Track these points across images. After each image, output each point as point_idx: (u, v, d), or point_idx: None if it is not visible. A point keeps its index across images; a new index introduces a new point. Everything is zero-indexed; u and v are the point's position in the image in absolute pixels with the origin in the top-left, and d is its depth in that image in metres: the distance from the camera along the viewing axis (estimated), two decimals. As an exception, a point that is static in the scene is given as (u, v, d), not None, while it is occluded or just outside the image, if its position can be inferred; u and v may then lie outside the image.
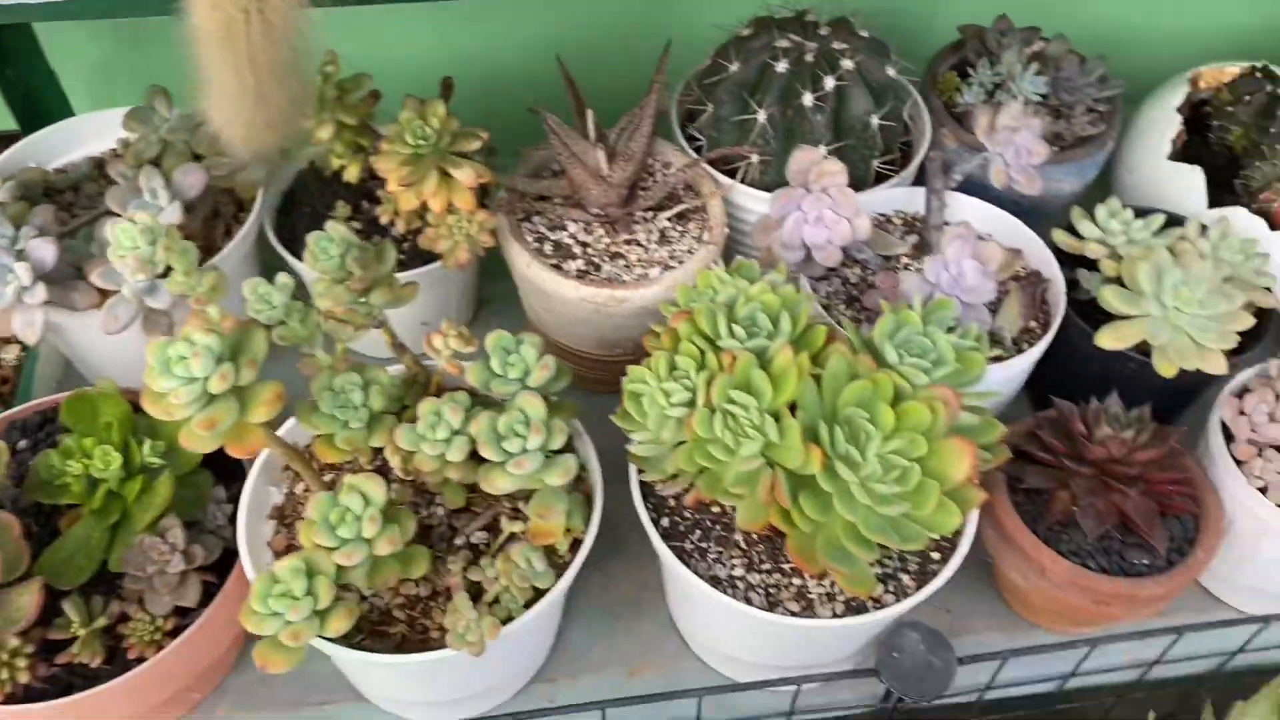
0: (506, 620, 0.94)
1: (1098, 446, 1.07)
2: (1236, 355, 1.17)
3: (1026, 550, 1.08)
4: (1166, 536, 1.08)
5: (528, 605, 0.96)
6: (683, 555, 1.00)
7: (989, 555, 1.16)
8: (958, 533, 1.01)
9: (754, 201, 1.27)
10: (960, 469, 0.87)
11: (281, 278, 0.95)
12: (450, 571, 0.99)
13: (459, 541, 1.03)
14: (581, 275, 1.20)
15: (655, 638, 1.17)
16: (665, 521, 1.02)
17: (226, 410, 0.83)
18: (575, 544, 1.01)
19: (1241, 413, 1.14)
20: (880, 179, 1.31)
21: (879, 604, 0.98)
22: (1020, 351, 1.20)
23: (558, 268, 1.20)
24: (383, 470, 1.08)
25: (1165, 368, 1.15)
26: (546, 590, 0.97)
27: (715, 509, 1.04)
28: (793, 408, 0.90)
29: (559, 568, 0.99)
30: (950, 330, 0.96)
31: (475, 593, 0.96)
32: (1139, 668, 1.19)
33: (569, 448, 1.04)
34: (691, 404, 0.90)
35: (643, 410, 0.92)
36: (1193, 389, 1.29)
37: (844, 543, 0.88)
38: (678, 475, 0.97)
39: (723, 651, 1.13)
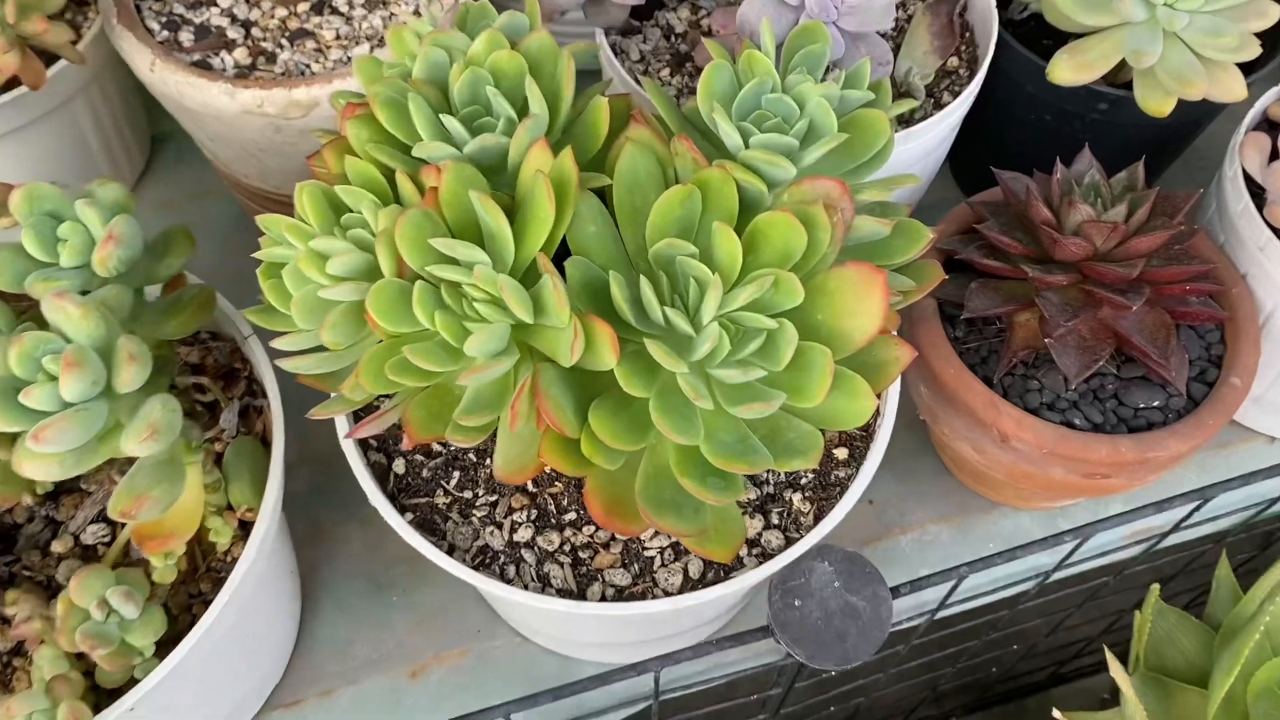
0: (124, 686, 0.54)
1: (1073, 239, 0.68)
2: (1250, 73, 0.77)
3: (977, 411, 0.70)
4: (1185, 362, 0.70)
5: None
6: (431, 520, 0.59)
7: (921, 414, 0.78)
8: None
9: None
10: (866, 316, 0.49)
11: None
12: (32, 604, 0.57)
13: (58, 548, 0.62)
14: (242, 73, 0.75)
15: (443, 613, 0.78)
16: (401, 465, 0.61)
17: None
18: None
19: (1275, 155, 0.75)
20: None
21: (756, 550, 0.60)
22: (939, 106, 0.79)
23: (203, 65, 0.75)
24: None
25: (1156, 101, 0.75)
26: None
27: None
28: (562, 255, 0.49)
29: (215, 578, 0.59)
30: (826, 76, 0.55)
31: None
32: (1144, 542, 0.84)
33: (210, 370, 0.61)
34: (372, 273, 0.48)
35: (286, 293, 0.50)
36: (1181, 135, 0.89)
37: (679, 480, 0.49)
38: (378, 404, 0.56)
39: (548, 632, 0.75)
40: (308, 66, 0.75)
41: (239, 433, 0.64)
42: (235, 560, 0.60)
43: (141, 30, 0.75)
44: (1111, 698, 1.12)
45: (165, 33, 0.76)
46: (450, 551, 0.58)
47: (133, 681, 0.56)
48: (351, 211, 0.50)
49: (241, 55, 0.75)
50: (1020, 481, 0.74)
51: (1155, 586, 0.92)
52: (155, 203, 0.96)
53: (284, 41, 0.76)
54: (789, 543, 0.59)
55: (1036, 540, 0.71)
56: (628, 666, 0.68)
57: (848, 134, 0.52)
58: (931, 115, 0.75)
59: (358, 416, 0.60)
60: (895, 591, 0.70)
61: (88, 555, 0.62)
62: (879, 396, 0.59)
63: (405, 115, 0.51)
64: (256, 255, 0.51)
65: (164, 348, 0.63)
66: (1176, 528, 0.79)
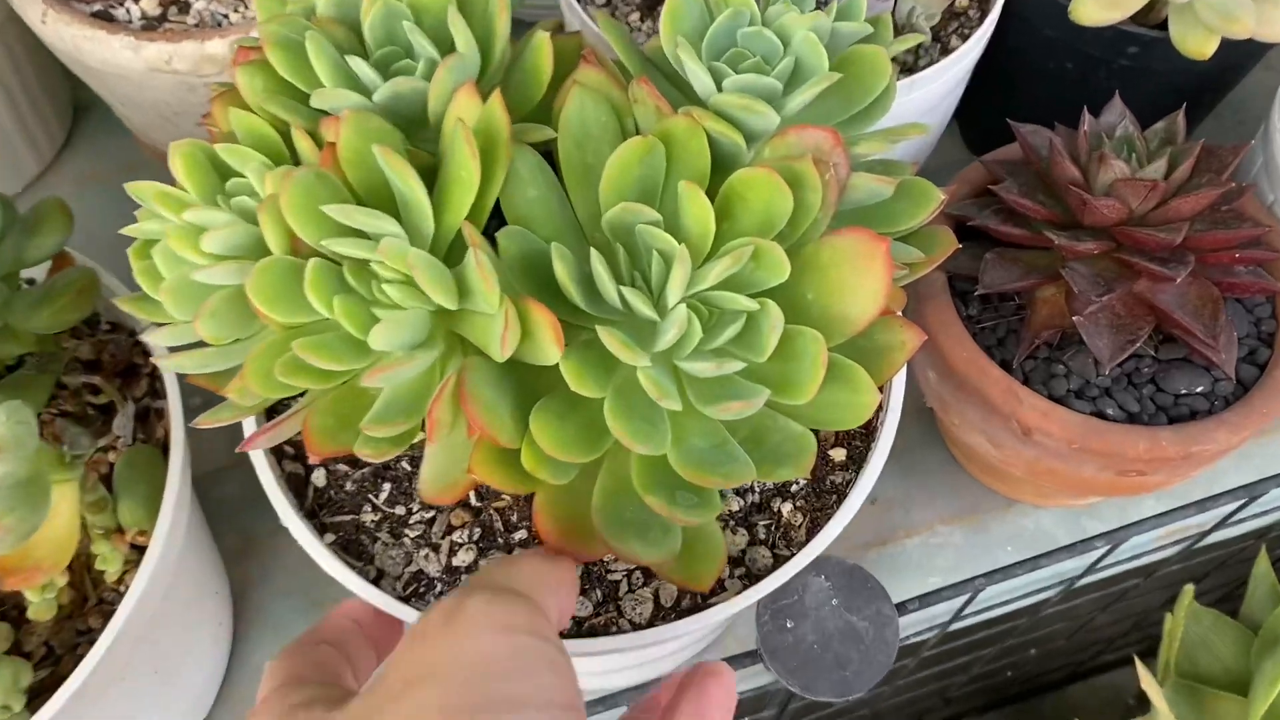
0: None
1: (1105, 200, 0.58)
2: (1299, 8, 0.67)
3: (994, 400, 0.61)
4: (1234, 340, 0.61)
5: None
6: (357, 540, 0.50)
7: (929, 402, 0.69)
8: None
9: None
10: (866, 294, 0.39)
11: None
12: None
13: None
14: (150, 25, 0.65)
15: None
16: (321, 477, 0.52)
17: None
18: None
19: (1333, 103, 0.66)
20: None
21: (740, 570, 0.50)
22: (946, 51, 0.69)
23: (104, 16, 0.65)
24: None
25: (1195, 42, 0.66)
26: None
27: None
28: (494, 226, 0.40)
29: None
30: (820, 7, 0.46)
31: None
32: (1180, 542, 0.75)
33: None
34: (260, 250, 0.39)
35: (159, 276, 0.41)
36: (1220, 83, 0.80)
37: (643, 498, 0.40)
38: (291, 403, 0.47)
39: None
40: (225, 17, 0.66)
41: (137, 440, 0.55)
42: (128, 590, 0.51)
43: (31, -24, 0.66)
44: (1138, 703, 1.03)
45: (60, -21, 0.67)
46: (378, 579, 0.49)
47: (4, 739, 0.47)
48: (239, 176, 0.41)
49: (149, 4, 0.66)
50: (1043, 479, 0.65)
51: (1189, 588, 0.83)
52: (79, 176, 0.87)
53: (198, -13, 0.67)
54: (778, 561, 0.50)
55: (1062, 548, 0.63)
56: (594, 702, 0.59)
57: (841, 74, 0.42)
58: (938, 61, 0.66)
59: (271, 415, 0.51)
60: (902, 608, 0.61)
61: (-35, 586, 0.53)
62: (882, 389, 0.50)
63: (304, 58, 0.42)
64: (125, 231, 0.42)
65: (46, 342, 0.54)
66: (1220, 526, 0.71)
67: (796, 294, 0.40)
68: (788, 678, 0.58)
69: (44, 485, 0.45)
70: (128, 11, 0.66)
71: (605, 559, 0.51)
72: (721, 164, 0.42)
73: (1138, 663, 0.82)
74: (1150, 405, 0.61)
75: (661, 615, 0.49)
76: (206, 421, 0.43)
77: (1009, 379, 0.61)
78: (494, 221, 0.41)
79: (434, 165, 0.41)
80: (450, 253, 0.40)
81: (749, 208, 0.39)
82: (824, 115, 0.44)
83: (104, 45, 0.63)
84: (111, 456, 0.55)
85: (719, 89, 0.41)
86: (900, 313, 0.46)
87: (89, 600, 0.53)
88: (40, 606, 0.50)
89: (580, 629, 0.48)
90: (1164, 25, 0.68)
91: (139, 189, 0.41)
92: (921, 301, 0.64)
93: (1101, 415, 0.61)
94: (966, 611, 0.68)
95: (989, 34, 0.68)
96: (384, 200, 0.39)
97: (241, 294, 0.38)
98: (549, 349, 0.37)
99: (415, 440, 0.41)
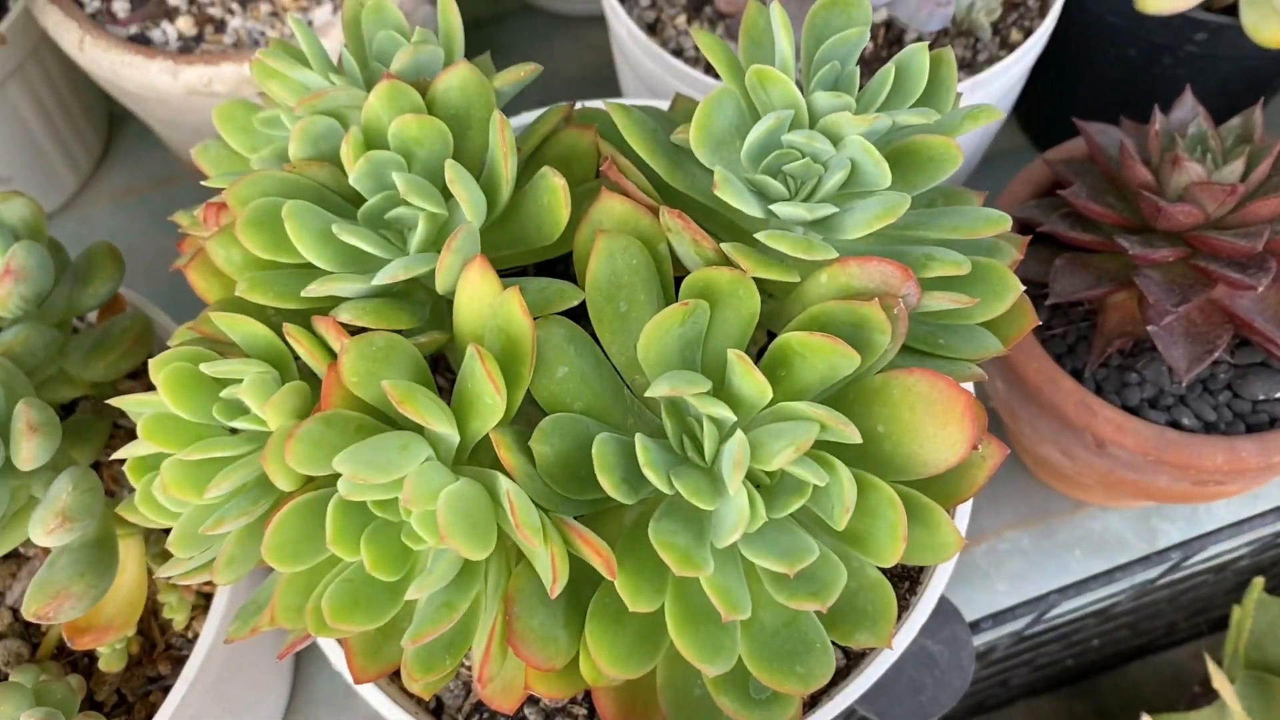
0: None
1: (1179, 205, 0.56)
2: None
3: (1068, 413, 0.59)
4: (1316, 345, 0.59)
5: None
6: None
7: (995, 407, 0.67)
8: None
9: None
10: (945, 444, 0.35)
11: None
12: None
13: (-11, 624, 0.52)
14: (187, 46, 0.64)
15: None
16: None
17: None
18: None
19: None
20: None
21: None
22: (1006, 45, 0.67)
23: (141, 40, 0.64)
24: None
25: (1269, 29, 0.63)
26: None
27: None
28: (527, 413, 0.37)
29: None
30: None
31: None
32: (1252, 544, 0.73)
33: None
34: (263, 484, 0.37)
35: (165, 512, 0.38)
36: (1274, 72, 0.76)
37: (716, 700, 0.37)
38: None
39: None
40: (262, 34, 0.64)
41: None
42: (197, 635, 0.50)
43: (69, 2, 0.64)
44: (1203, 691, 1.02)
45: (97, 2, 0.65)
46: (439, 709, 0.46)
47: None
48: (224, 391, 0.37)
49: (186, 25, 0.64)
50: (1116, 489, 0.63)
51: (1258, 581, 0.82)
52: (116, 191, 0.86)
53: (234, 5, 0.65)
54: (850, 661, 0.46)
55: (1136, 560, 0.61)
56: None
57: (902, 173, 0.38)
58: (1000, 58, 0.63)
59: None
60: (975, 627, 0.60)
61: (30, 632, 0.53)
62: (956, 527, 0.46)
63: (282, 231, 0.36)
64: (117, 455, 0.39)
65: (103, 386, 0.53)
66: (1293, 526, 0.69)
67: (866, 426, 0.35)
68: (862, 704, 0.57)
69: (112, 545, 0.45)
70: (164, 33, 0.64)
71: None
72: (770, 294, 0.38)
73: (1207, 658, 0.81)
74: (1227, 413, 0.59)
75: None
76: (235, 638, 0.40)
77: (1082, 390, 0.59)
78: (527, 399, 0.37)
79: (448, 343, 0.38)
80: (477, 451, 0.37)
81: (809, 365, 0.35)
82: (878, 217, 0.38)
83: (142, 70, 0.62)
84: (172, 499, 0.54)
85: (767, 213, 0.37)
86: (985, 416, 0.41)
87: (157, 647, 0.53)
88: (111, 658, 0.50)
89: None
90: (1232, 10, 0.65)
91: (127, 403, 0.38)
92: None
93: (1177, 425, 0.59)
94: (1039, 620, 0.67)
95: (1051, 29, 0.65)
96: (398, 415, 0.35)
97: (257, 528, 0.36)
98: (600, 572, 0.34)
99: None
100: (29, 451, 0.40)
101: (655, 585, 0.34)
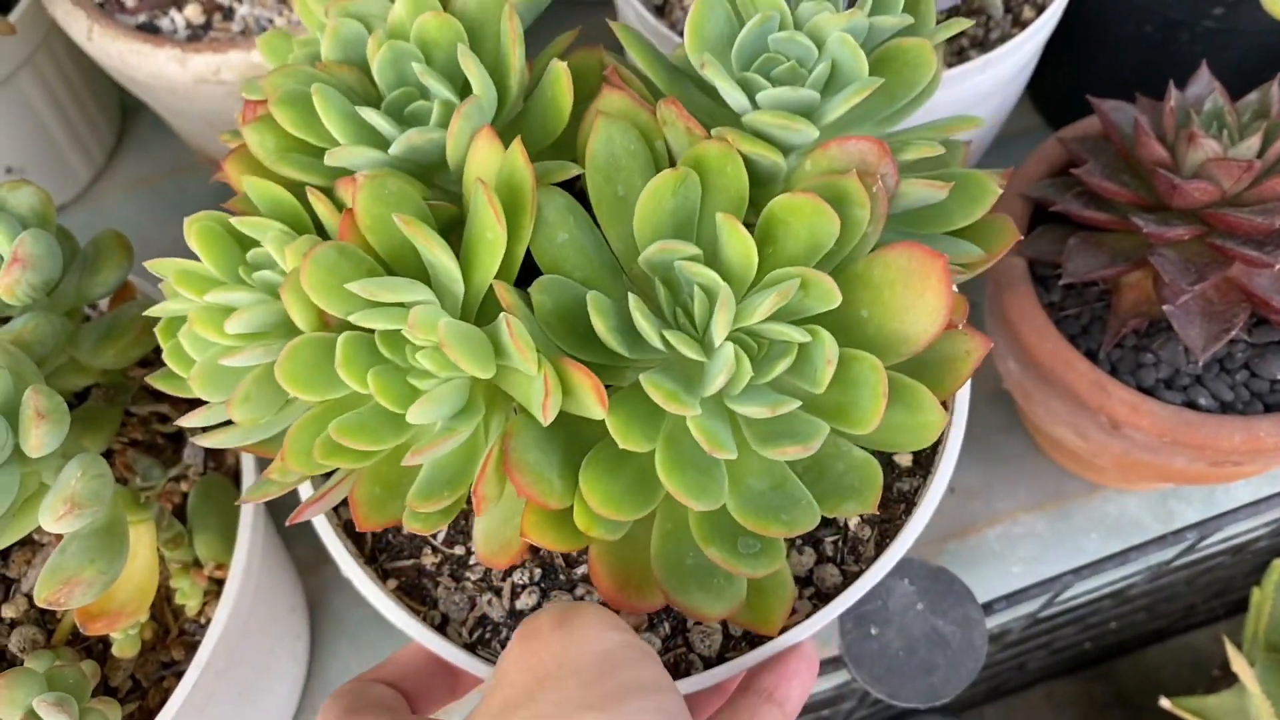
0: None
1: (1195, 182, 0.55)
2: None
3: (1081, 393, 0.59)
4: (1334, 323, 0.58)
5: None
6: (419, 585, 0.49)
7: (1009, 388, 0.66)
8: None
9: None
10: (924, 314, 0.37)
11: None
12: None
13: (9, 612, 0.53)
14: (195, 35, 0.64)
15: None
16: None
17: None
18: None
19: None
20: None
21: (809, 590, 0.49)
22: (1019, 23, 0.66)
23: (149, 28, 0.64)
24: None
25: (1288, 3, 0.62)
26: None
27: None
28: (527, 276, 0.38)
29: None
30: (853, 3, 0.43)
31: None
32: (1271, 524, 0.72)
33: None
34: (285, 327, 0.38)
35: (185, 357, 0.39)
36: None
37: (704, 550, 0.39)
38: (321, 483, 0.45)
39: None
40: (270, 21, 0.64)
41: (208, 468, 0.55)
42: (210, 620, 0.50)
43: (75, -11, 0.64)
44: (1223, 675, 1.02)
45: (104, -10, 0.65)
46: (442, 624, 0.48)
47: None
48: (250, 246, 0.39)
49: (194, 13, 0.64)
50: (1132, 471, 0.63)
51: (1278, 563, 0.81)
52: (130, 180, 0.86)
53: (243, -7, 0.65)
54: (847, 577, 0.48)
55: (1151, 541, 0.61)
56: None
57: (881, 76, 0.39)
58: (1011, 35, 0.63)
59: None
60: (988, 608, 0.60)
61: (45, 619, 0.53)
62: (948, 407, 0.48)
63: (312, 112, 0.39)
64: (149, 313, 0.40)
65: (112, 373, 0.54)
66: (1313, 506, 0.68)
67: (851, 312, 0.38)
68: (874, 685, 0.57)
69: (122, 532, 0.45)
70: (173, 21, 0.64)
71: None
72: (761, 179, 0.40)
73: (1228, 643, 0.80)
74: (1245, 392, 0.59)
75: (732, 645, 0.47)
76: (252, 499, 0.41)
77: (1096, 371, 0.58)
78: (530, 267, 0.39)
79: (458, 216, 0.40)
80: (484, 307, 0.38)
81: (792, 233, 0.37)
82: (867, 114, 0.42)
83: (150, 59, 0.62)
84: (184, 486, 0.54)
85: (753, 104, 0.39)
86: (967, 319, 0.44)
87: (171, 632, 0.53)
88: (125, 643, 0.50)
89: None
90: (1252, -17, 0.64)
91: (159, 266, 0.39)
92: (1001, 290, 0.62)
93: (1193, 405, 0.58)
94: (1053, 602, 0.67)
95: (1064, 6, 0.65)
96: (411, 262, 0.37)
97: (273, 371, 0.37)
98: (593, 408, 0.35)
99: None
100: (37, 438, 0.40)
101: (646, 431, 0.36)
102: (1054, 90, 0.81)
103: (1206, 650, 1.21)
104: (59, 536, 0.52)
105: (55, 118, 0.79)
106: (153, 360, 0.57)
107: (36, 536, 0.55)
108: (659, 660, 0.37)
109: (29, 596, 0.54)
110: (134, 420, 0.56)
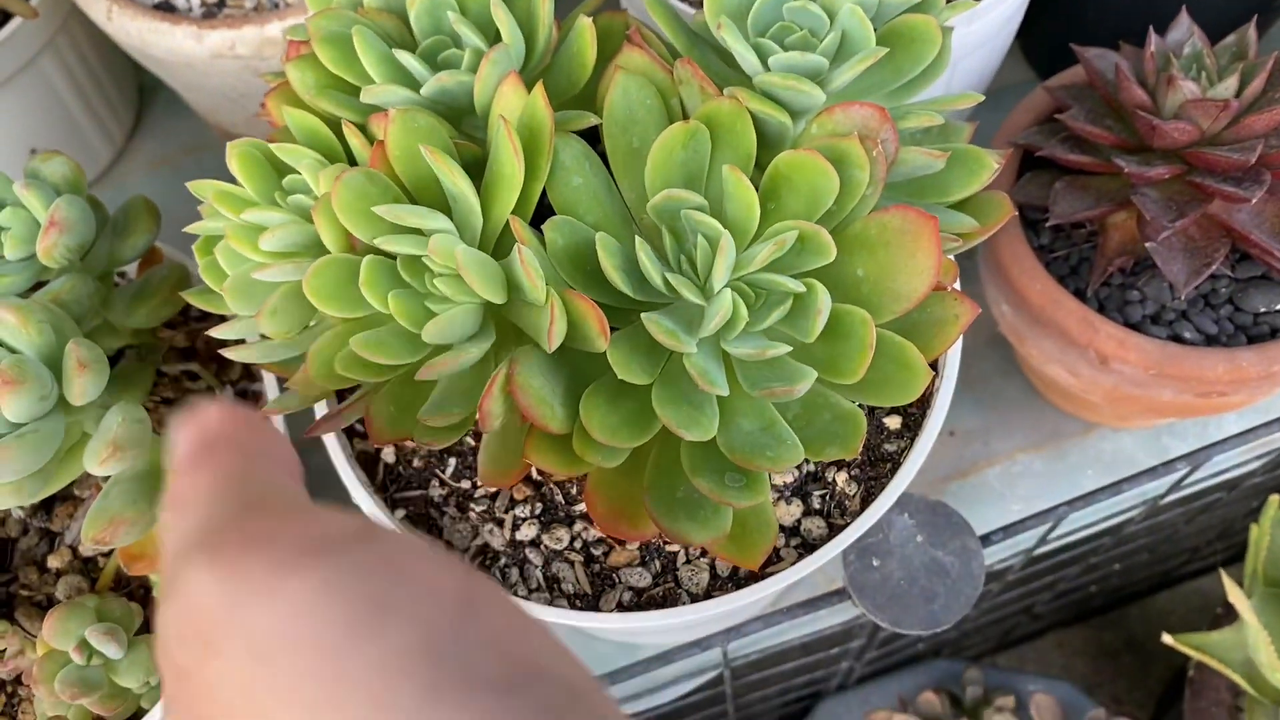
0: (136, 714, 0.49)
1: (1174, 123, 0.57)
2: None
3: (1070, 331, 0.61)
4: (1314, 255, 0.60)
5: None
6: (427, 514, 0.52)
7: (1004, 331, 0.69)
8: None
9: None
10: (914, 273, 0.40)
11: None
12: (30, 637, 0.52)
13: (54, 563, 0.56)
14: (210, 12, 0.66)
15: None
16: (391, 453, 0.54)
17: None
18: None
19: None
20: None
21: (796, 540, 0.51)
22: (1005, -24, 0.68)
23: (165, 7, 0.66)
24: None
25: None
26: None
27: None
28: (541, 216, 0.41)
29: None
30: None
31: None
32: (1264, 456, 0.74)
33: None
34: (318, 247, 0.41)
35: (222, 273, 0.43)
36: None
37: (691, 480, 0.41)
38: (346, 397, 0.48)
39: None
40: (282, -3, 0.67)
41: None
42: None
43: (93, -29, 0.67)
44: (1225, 612, 1.04)
45: (122, -28, 0.68)
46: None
47: (141, 711, 0.50)
48: (296, 173, 0.42)
49: (208, -9, 0.67)
50: (1122, 405, 0.65)
51: (1275, 498, 0.83)
52: (150, 159, 0.89)
53: (255, -30, 0.68)
54: (833, 530, 0.50)
55: (1143, 471, 0.63)
56: (690, 644, 0.61)
57: (888, 47, 0.42)
58: (999, -12, 0.65)
59: (342, 397, 0.53)
60: (986, 540, 0.62)
61: (88, 568, 0.56)
62: (936, 367, 0.51)
63: (352, 53, 0.42)
64: (188, 229, 0.44)
65: (144, 335, 0.57)
66: (1303, 438, 0.70)
67: (847, 271, 0.40)
68: (877, 614, 0.59)
69: (160, 476, 0.48)
70: (188, 0, 0.67)
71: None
72: (769, 141, 0.43)
73: (1223, 575, 0.82)
74: (1229, 326, 0.61)
75: (719, 585, 0.50)
76: (273, 410, 0.45)
77: (1083, 308, 0.61)
78: (545, 210, 0.42)
79: (482, 157, 0.43)
80: (500, 243, 0.41)
81: (794, 189, 0.40)
82: (874, 86, 0.44)
83: (168, 36, 0.64)
84: (214, 440, 0.57)
85: (765, 67, 0.41)
86: (956, 283, 0.46)
87: (207, 577, 0.56)
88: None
89: (640, 600, 0.50)
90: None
91: (200, 187, 0.42)
92: (993, 234, 0.64)
93: (1179, 339, 0.60)
94: (1050, 538, 0.69)
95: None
96: (434, 195, 0.40)
97: (301, 289, 0.40)
98: (595, 339, 0.38)
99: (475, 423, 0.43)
100: (80, 387, 0.43)
101: (645, 365, 0.39)
102: (1044, 42, 0.83)
103: (1215, 594, 1.23)
104: (98, 488, 0.56)
105: (76, 100, 0.81)
106: (180, 322, 0.60)
107: (77, 491, 0.58)
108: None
109: (73, 549, 0.57)
110: (165, 379, 0.59)
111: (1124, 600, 1.24)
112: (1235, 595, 0.82)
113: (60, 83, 0.79)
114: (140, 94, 0.91)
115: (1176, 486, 0.70)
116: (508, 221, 0.39)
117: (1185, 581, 1.24)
